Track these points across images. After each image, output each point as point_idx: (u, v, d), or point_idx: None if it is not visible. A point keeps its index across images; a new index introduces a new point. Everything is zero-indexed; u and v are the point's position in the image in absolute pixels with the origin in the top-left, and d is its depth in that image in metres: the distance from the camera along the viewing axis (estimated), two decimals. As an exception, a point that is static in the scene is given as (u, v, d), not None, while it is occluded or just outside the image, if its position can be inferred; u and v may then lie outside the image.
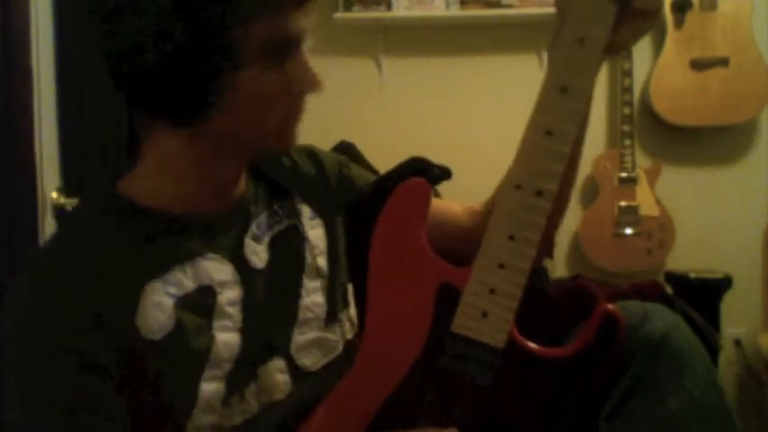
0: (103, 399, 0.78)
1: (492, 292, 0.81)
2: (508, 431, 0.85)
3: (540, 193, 0.80)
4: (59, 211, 2.05)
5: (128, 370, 0.80)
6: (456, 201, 1.09)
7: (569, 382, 0.82)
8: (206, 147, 0.85)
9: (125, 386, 0.79)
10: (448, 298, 0.84)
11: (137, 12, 0.75)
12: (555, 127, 0.80)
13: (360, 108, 2.86)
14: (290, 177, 1.01)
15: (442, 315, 0.84)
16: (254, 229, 0.94)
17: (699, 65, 2.64)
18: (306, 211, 1.00)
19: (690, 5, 2.64)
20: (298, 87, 0.84)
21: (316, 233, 1.00)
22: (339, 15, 2.72)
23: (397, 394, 0.86)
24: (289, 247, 0.97)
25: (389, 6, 2.72)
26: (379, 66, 2.88)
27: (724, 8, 2.63)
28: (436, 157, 0.96)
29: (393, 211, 0.89)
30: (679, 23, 2.66)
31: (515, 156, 0.82)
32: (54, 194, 2.05)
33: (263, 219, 0.96)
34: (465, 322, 0.82)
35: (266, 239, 0.95)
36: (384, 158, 1.10)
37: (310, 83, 0.84)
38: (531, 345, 0.82)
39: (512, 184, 0.81)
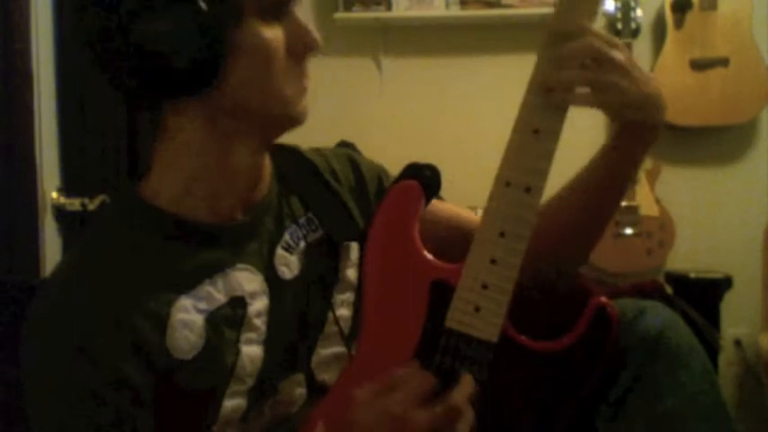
0: (130, 416, 0.78)
1: (484, 287, 0.82)
2: (504, 429, 0.85)
3: (528, 190, 0.81)
4: (60, 212, 2.06)
5: (157, 389, 0.80)
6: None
7: (562, 376, 0.82)
8: (218, 131, 0.84)
9: (153, 406, 0.80)
10: (441, 294, 0.84)
11: None
12: (541, 126, 0.81)
13: (360, 108, 2.86)
14: (322, 190, 1.00)
15: (436, 311, 0.84)
16: (287, 237, 0.94)
17: (699, 65, 2.64)
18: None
19: (690, 5, 2.64)
20: (297, 45, 0.84)
21: (349, 243, 0.99)
22: (339, 15, 2.72)
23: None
24: (322, 256, 0.96)
25: (389, 6, 2.73)
26: (379, 66, 2.88)
27: (724, 8, 2.63)
28: (436, 157, 0.97)
29: (386, 212, 0.90)
30: (679, 23, 2.66)
31: (504, 153, 0.83)
32: (54, 194, 2.06)
33: (296, 227, 0.95)
34: (458, 317, 0.83)
35: (300, 248, 0.95)
36: (384, 158, 1.10)
37: (308, 41, 0.85)
38: (524, 339, 0.83)
39: (501, 181, 0.82)
